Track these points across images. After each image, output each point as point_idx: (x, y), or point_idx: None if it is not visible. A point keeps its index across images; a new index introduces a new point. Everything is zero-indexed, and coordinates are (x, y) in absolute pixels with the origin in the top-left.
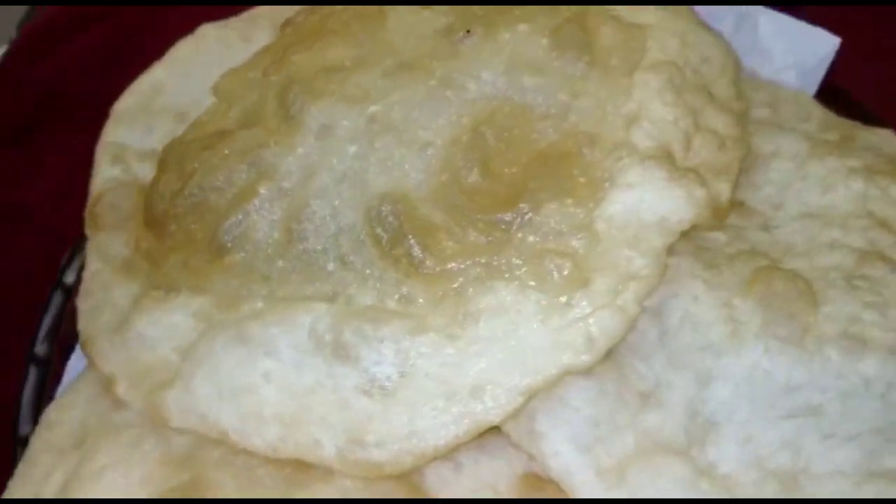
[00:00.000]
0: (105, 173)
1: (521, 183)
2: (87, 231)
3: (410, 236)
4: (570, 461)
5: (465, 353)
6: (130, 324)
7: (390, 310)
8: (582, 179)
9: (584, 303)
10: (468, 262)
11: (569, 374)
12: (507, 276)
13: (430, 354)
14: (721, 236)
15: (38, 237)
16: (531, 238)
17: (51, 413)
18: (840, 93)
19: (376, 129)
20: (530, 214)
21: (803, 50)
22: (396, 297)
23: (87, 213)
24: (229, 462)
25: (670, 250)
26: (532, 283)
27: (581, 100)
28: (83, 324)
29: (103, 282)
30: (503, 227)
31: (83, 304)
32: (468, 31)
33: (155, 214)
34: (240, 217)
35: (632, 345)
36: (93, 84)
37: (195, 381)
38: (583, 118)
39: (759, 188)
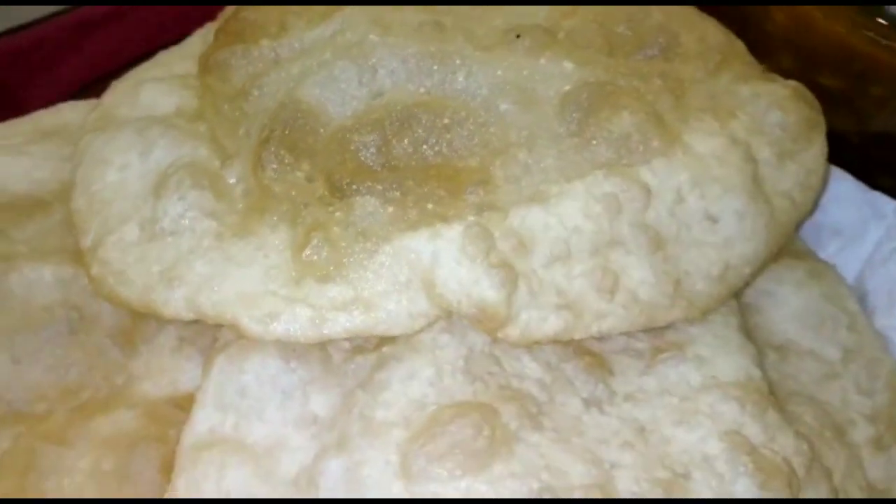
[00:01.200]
0: None
1: (390, 172)
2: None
3: (273, 144)
4: (206, 414)
5: (210, 252)
6: (145, 83)
7: (228, 191)
8: (430, 206)
9: (306, 291)
10: (289, 196)
11: (234, 328)
12: (292, 227)
13: (196, 233)
14: (532, 370)
15: None
16: (337, 214)
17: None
18: None
19: (354, 54)
20: (355, 197)
21: None
22: (244, 185)
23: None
24: None
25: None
26: (296, 244)
27: (521, 151)
28: (144, 68)
29: (185, 52)
30: (334, 191)
31: (161, 55)
32: (518, 36)
33: (223, 23)
34: (236, 54)
35: (343, 367)
36: None
37: (99, 137)
38: (504, 166)
39: (646, 374)
